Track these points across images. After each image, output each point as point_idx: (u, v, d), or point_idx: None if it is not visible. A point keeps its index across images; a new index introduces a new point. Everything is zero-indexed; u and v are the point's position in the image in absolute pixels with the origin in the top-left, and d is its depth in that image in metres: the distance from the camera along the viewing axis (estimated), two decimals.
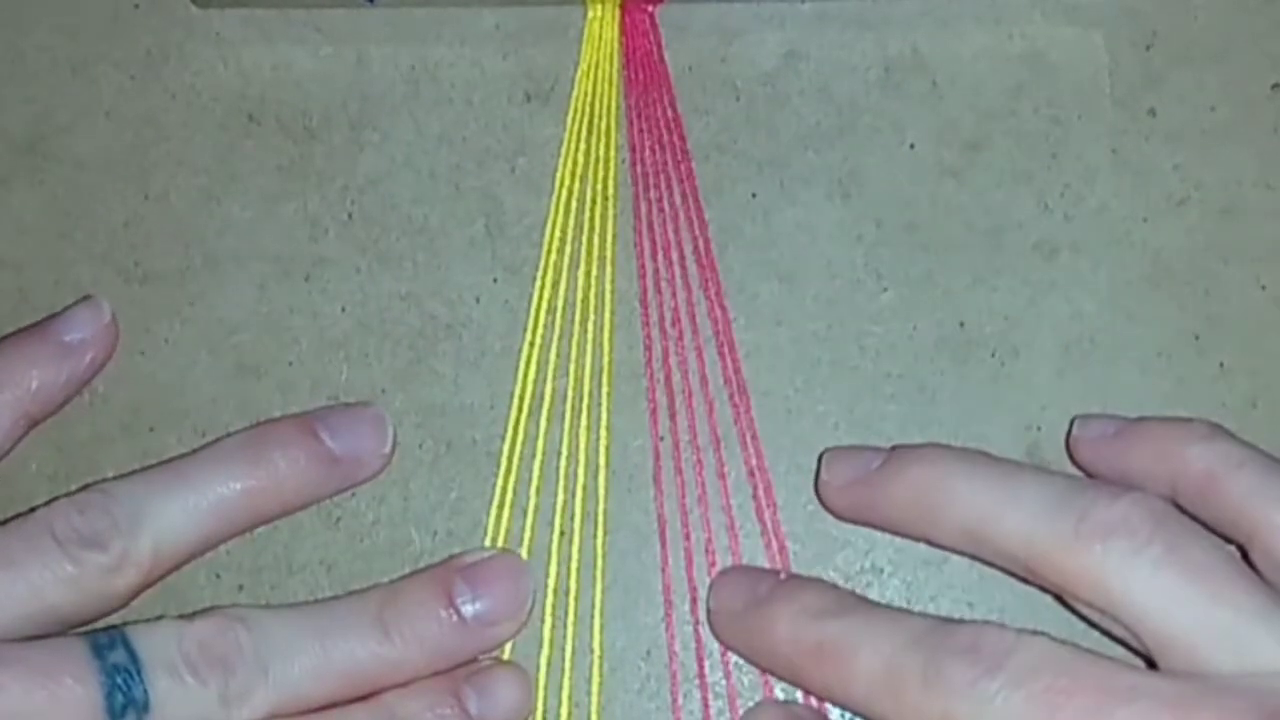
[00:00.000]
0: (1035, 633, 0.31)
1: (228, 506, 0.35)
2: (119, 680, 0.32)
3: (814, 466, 0.37)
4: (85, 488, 0.35)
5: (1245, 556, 0.33)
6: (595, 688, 0.36)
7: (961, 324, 0.38)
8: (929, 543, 0.35)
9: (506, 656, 0.36)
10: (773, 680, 0.36)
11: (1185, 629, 0.31)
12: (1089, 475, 0.36)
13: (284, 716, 0.33)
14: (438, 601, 0.35)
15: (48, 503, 0.35)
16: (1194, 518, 0.33)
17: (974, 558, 0.34)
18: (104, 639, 0.33)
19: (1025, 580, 0.33)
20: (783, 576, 0.36)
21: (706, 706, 0.36)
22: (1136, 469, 0.34)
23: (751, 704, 0.36)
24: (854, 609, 0.34)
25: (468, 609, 0.35)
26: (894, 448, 0.36)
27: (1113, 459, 0.35)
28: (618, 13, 0.39)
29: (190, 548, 0.35)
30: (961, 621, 0.33)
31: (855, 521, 0.36)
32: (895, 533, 0.36)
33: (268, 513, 0.36)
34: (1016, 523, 0.33)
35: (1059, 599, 0.33)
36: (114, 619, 0.35)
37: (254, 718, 0.33)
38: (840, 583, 0.37)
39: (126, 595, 0.35)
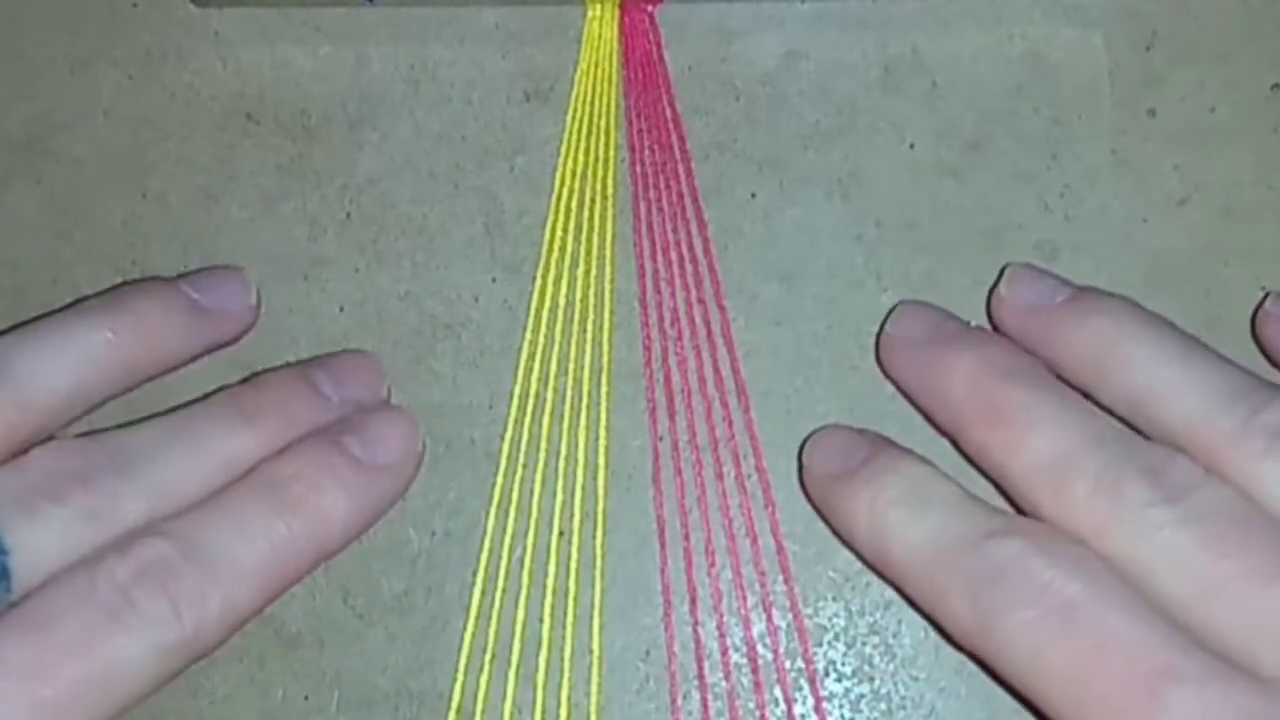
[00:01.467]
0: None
1: (96, 358, 0.33)
2: None
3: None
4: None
5: None
6: (594, 688, 0.36)
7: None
8: (1086, 394, 0.33)
9: (513, 656, 0.36)
10: (767, 683, 0.36)
11: None
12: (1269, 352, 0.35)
13: (165, 518, 0.32)
14: (298, 382, 0.35)
15: None
16: None
17: (1126, 423, 0.33)
18: None
19: None
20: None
21: (706, 707, 0.36)
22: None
23: (751, 704, 0.36)
24: (1044, 380, 0.32)
25: (328, 389, 0.35)
26: (1081, 287, 0.35)
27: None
28: (617, 12, 0.39)
29: (60, 401, 0.33)
30: (1153, 442, 0.31)
31: (1019, 343, 0.35)
32: (1059, 373, 0.34)
33: (138, 363, 0.34)
34: (1186, 403, 0.31)
35: None
36: None
37: (130, 524, 0.31)
38: (839, 583, 0.37)
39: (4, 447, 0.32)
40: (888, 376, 0.36)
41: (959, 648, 0.32)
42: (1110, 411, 0.33)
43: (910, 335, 0.35)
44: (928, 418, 0.35)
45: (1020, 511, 0.33)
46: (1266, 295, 0.36)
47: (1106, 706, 0.29)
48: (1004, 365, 0.33)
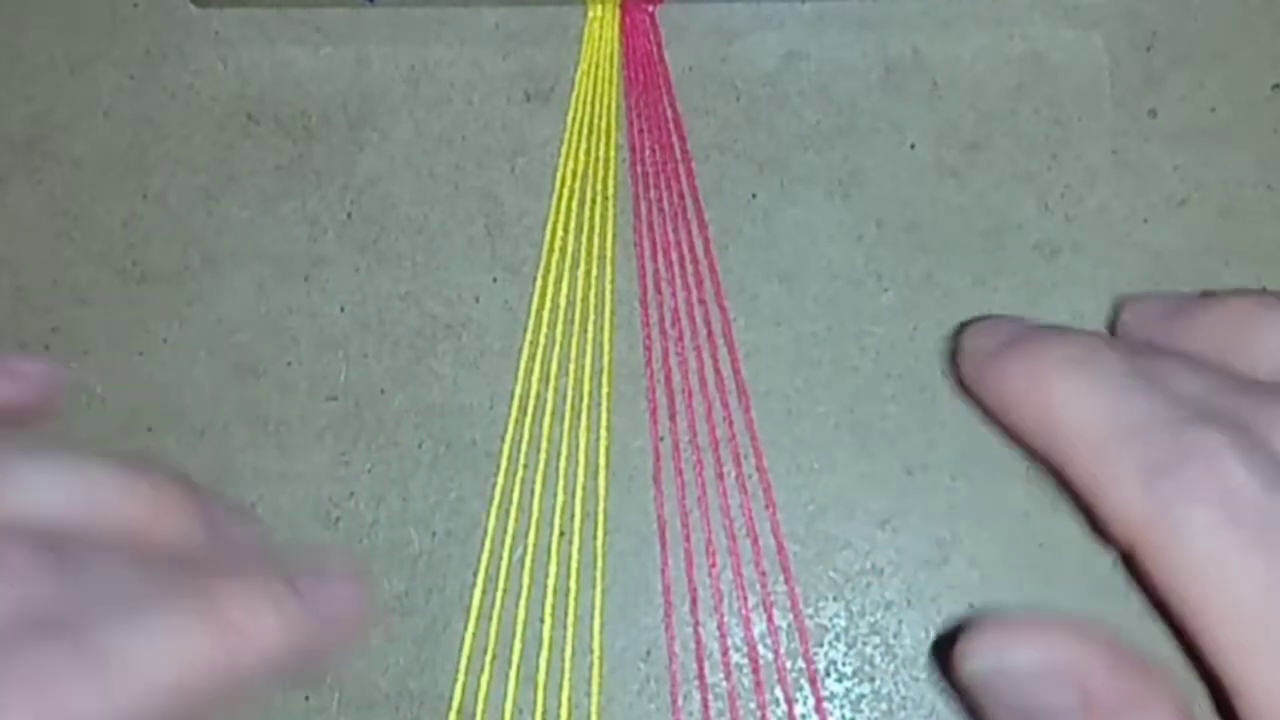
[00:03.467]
0: None
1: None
2: None
3: (814, 467, 0.37)
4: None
5: None
6: (595, 688, 0.36)
7: (962, 324, 0.38)
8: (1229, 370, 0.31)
9: (514, 656, 0.36)
10: (768, 683, 0.36)
11: None
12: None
13: None
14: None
15: None
16: None
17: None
18: None
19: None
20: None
21: (706, 707, 0.36)
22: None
23: (752, 704, 0.36)
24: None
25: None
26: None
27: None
28: (618, 13, 0.39)
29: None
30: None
31: (1163, 347, 0.32)
32: (1201, 358, 0.31)
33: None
34: None
35: None
36: None
37: None
38: (840, 583, 0.37)
39: None
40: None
41: (1106, 541, 0.30)
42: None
43: (1148, 316, 0.32)
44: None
45: None
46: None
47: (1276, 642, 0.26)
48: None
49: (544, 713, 0.36)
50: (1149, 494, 0.27)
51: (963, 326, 0.31)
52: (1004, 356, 0.30)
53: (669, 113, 0.39)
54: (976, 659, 0.27)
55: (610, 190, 0.38)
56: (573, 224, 0.38)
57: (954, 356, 0.31)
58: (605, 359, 0.38)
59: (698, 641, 0.36)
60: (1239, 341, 0.31)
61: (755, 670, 0.36)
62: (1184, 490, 0.27)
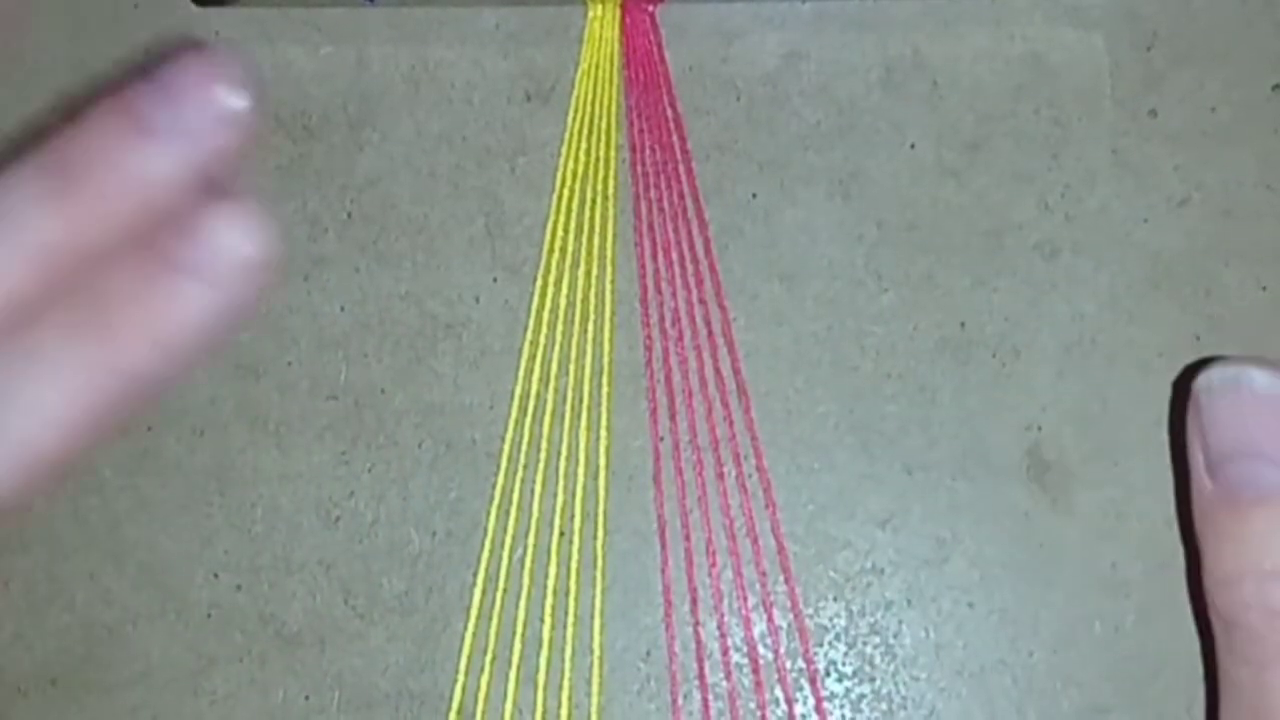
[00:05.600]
0: None
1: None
2: None
3: (814, 467, 0.37)
4: None
5: None
6: (595, 688, 0.36)
7: (962, 324, 0.38)
8: None
9: (514, 656, 0.36)
10: (768, 683, 0.36)
11: None
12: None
13: None
14: (124, 123, 0.25)
15: None
16: None
17: None
18: None
19: None
20: None
21: (706, 707, 0.36)
22: None
23: (752, 704, 0.36)
24: None
25: (160, 120, 0.25)
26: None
27: None
28: (618, 13, 0.39)
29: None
30: None
31: None
32: None
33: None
34: None
35: None
36: None
37: None
38: (840, 583, 0.37)
39: None
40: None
41: None
42: None
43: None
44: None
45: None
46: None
47: None
48: None
49: (544, 713, 0.36)
50: None
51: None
52: None
53: (669, 112, 0.39)
54: (1218, 374, 0.29)
55: (610, 190, 0.38)
56: (573, 224, 0.38)
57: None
58: (605, 359, 0.38)
59: (698, 641, 0.36)
60: None
61: (755, 670, 0.36)
62: None
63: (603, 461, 0.37)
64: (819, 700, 0.36)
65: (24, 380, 0.26)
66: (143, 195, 0.25)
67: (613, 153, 0.39)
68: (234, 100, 0.25)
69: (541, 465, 0.37)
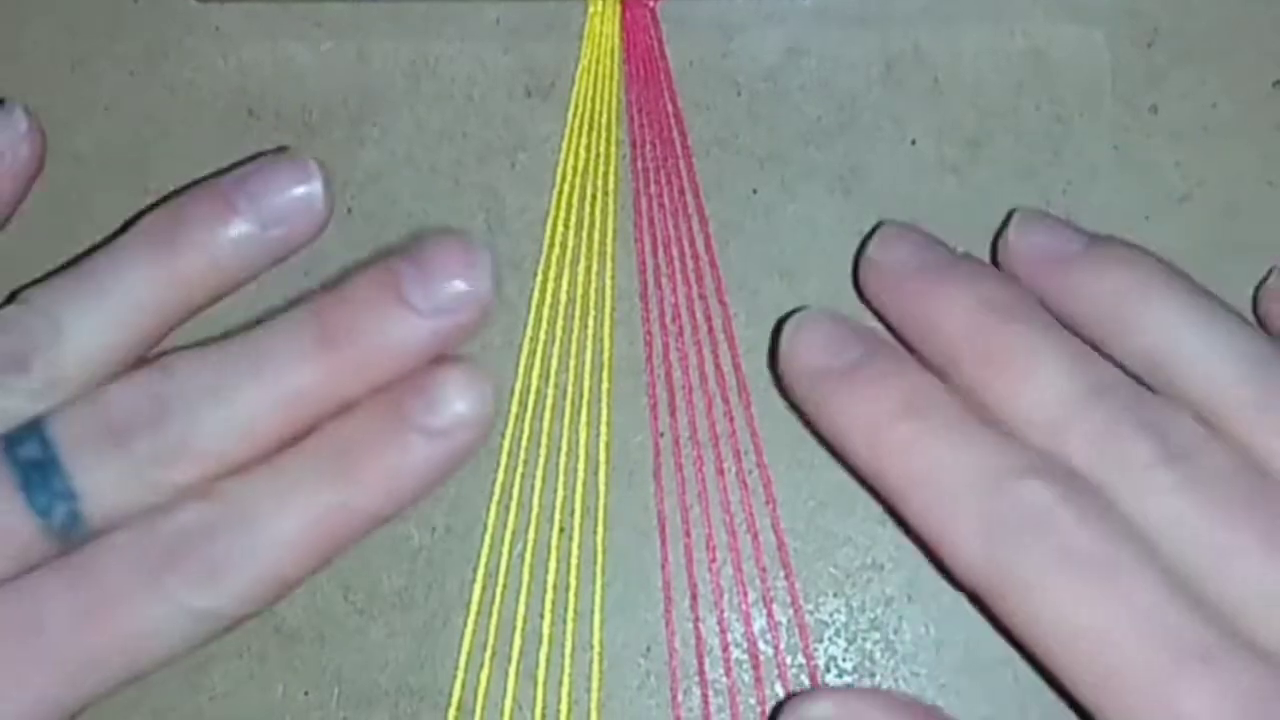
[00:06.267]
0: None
1: (153, 301, 0.32)
2: (35, 479, 0.30)
3: (815, 462, 0.36)
4: (11, 297, 0.33)
5: None
6: (595, 684, 0.36)
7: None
8: (1100, 350, 0.32)
9: (514, 652, 0.36)
10: (768, 679, 0.36)
11: None
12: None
13: (236, 460, 0.30)
14: (386, 296, 0.31)
15: None
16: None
17: (1139, 380, 0.31)
18: (17, 435, 0.30)
19: None
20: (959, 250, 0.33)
21: (707, 704, 0.36)
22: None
23: (752, 701, 0.36)
24: (1045, 320, 0.31)
25: (420, 300, 0.31)
26: (1096, 238, 0.33)
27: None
28: (619, 8, 0.39)
29: (121, 351, 0.32)
30: (1159, 395, 0.30)
31: (1031, 286, 0.33)
32: (1069, 325, 0.32)
33: (198, 300, 0.33)
34: (1204, 368, 0.30)
35: None
36: None
37: (199, 469, 0.30)
38: (840, 579, 0.37)
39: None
40: (867, 304, 0.34)
41: (951, 579, 0.31)
42: (1122, 369, 0.32)
43: (899, 262, 0.33)
44: (912, 350, 0.33)
45: None
46: (1270, 271, 0.35)
47: (1125, 678, 0.28)
48: (1004, 302, 0.31)
49: (544, 708, 0.36)
50: (987, 552, 0.29)
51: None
52: (837, 387, 0.31)
53: (670, 108, 0.39)
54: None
55: (611, 186, 0.38)
56: (573, 220, 0.38)
57: (771, 360, 0.32)
58: (605, 354, 0.38)
59: (698, 637, 0.36)
60: (1116, 315, 0.31)
61: (755, 666, 0.36)
62: (1020, 550, 0.28)
63: (603, 457, 0.37)
64: None
65: (271, 509, 0.30)
66: (395, 360, 0.31)
67: (613, 148, 0.39)
68: (483, 286, 0.31)
69: (541, 461, 0.37)
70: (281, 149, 0.35)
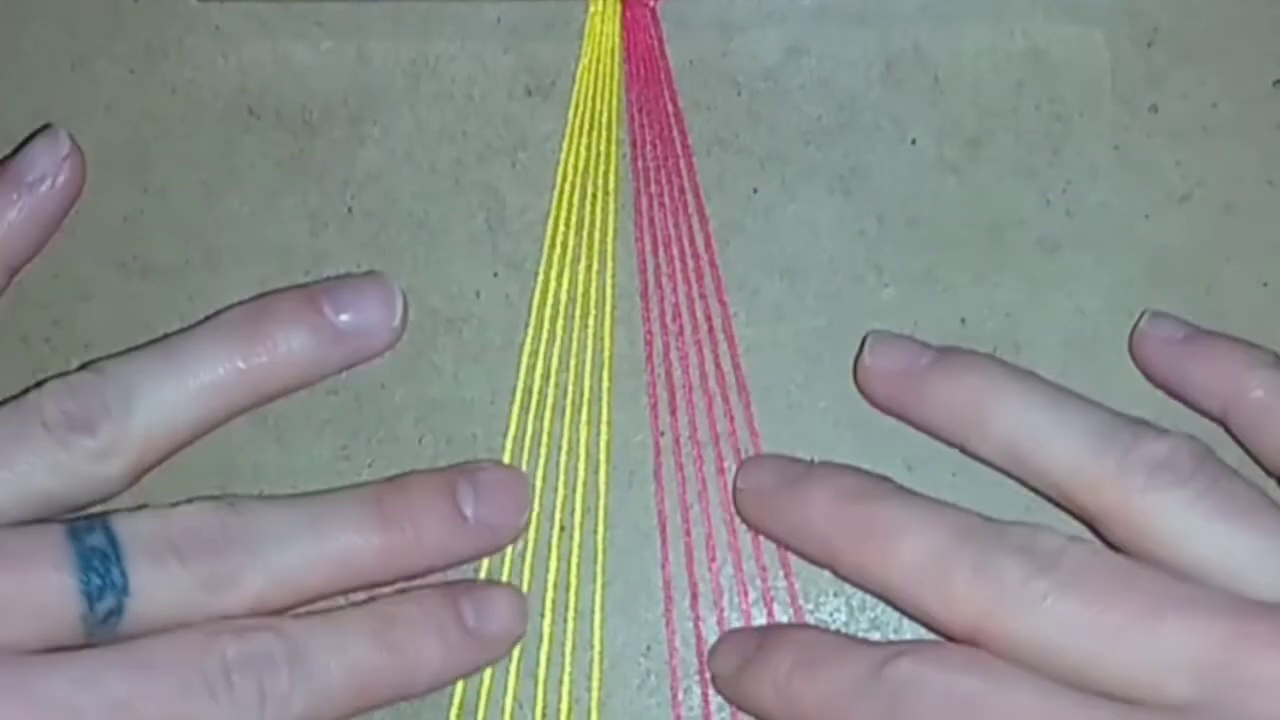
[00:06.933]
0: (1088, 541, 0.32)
1: (224, 386, 0.34)
2: (96, 564, 0.32)
3: (815, 462, 0.36)
4: (84, 366, 0.35)
5: None
6: (595, 683, 0.36)
7: (963, 320, 0.38)
8: (964, 451, 0.35)
9: (515, 651, 0.36)
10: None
11: (1224, 557, 0.31)
12: (1145, 373, 0.36)
13: (274, 606, 0.33)
14: (441, 497, 0.35)
15: (41, 383, 0.34)
16: (1241, 444, 0.34)
17: (1007, 474, 0.34)
18: (84, 524, 0.32)
19: (1058, 505, 0.34)
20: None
21: (707, 702, 0.36)
22: (1196, 380, 0.35)
23: None
24: (898, 491, 0.34)
25: (470, 509, 0.35)
26: (944, 349, 0.35)
27: (1174, 364, 0.35)
28: (619, 7, 0.39)
29: (186, 430, 0.35)
30: (1012, 522, 0.33)
31: (891, 413, 0.36)
32: (932, 434, 0.35)
33: (268, 392, 0.35)
34: (1062, 449, 0.33)
35: (1093, 530, 0.33)
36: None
37: (241, 604, 0.32)
38: (840, 579, 0.37)
39: (120, 480, 0.34)
40: (751, 527, 0.36)
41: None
42: (989, 464, 0.34)
43: (760, 485, 0.36)
44: (801, 555, 0.35)
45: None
46: (1142, 315, 0.36)
47: None
48: (856, 488, 0.34)
49: (544, 707, 0.36)
50: None
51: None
52: (748, 672, 0.34)
53: (670, 107, 0.39)
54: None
55: (611, 185, 0.38)
56: (574, 219, 0.38)
57: (710, 671, 0.36)
58: (606, 354, 0.38)
59: (698, 636, 0.37)
60: (973, 416, 0.34)
61: None
62: (911, 714, 0.31)
63: (603, 456, 0.37)
64: None
65: (325, 654, 0.33)
66: (439, 561, 0.35)
67: (613, 148, 0.39)
68: (520, 520, 0.36)
69: (542, 460, 0.37)
70: (371, 273, 0.37)
